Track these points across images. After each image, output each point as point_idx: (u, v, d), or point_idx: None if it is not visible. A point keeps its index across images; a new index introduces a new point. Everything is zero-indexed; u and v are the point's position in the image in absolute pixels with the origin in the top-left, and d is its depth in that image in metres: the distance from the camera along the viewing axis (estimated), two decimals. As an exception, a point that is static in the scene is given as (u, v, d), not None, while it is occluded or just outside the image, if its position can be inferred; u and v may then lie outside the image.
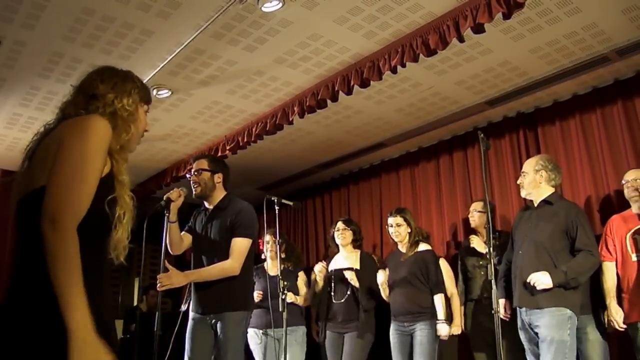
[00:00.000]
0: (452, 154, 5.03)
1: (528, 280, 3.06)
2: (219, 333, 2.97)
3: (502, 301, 3.41)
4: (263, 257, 4.48)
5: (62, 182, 1.28)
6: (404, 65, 3.37)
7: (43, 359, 1.23)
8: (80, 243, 1.27)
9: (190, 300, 3.20)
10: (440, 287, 3.85)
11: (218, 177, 3.19)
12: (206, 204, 3.23)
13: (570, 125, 4.17)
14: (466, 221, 4.71)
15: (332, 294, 4.18)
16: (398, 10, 3.10)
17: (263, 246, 4.52)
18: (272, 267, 4.28)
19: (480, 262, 3.90)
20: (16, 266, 1.37)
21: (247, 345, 4.36)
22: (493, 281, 2.88)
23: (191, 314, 3.12)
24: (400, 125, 4.81)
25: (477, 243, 3.94)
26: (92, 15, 3.06)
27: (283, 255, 4.43)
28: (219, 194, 3.20)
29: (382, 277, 3.98)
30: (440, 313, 3.76)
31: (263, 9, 3.02)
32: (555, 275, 3.03)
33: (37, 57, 3.49)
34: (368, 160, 5.74)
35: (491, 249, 2.98)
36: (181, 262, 5.39)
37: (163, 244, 3.00)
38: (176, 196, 3.02)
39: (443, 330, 3.71)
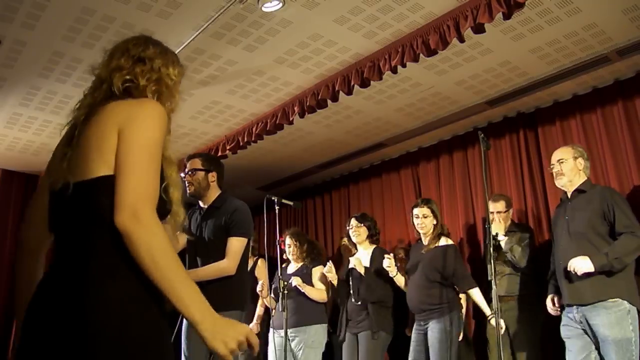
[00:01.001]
0: (452, 154, 5.02)
1: (568, 268, 2.89)
2: None
3: (551, 295, 3.29)
4: (285, 257, 4.45)
5: (138, 175, 1.22)
6: (404, 65, 3.37)
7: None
8: None
9: None
10: (471, 281, 3.67)
11: (212, 176, 3.15)
12: (201, 203, 3.22)
13: (570, 126, 4.17)
14: (466, 221, 4.72)
15: (351, 292, 4.08)
16: (398, 10, 3.10)
17: (284, 246, 4.48)
18: (293, 266, 4.28)
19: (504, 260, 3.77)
20: (58, 258, 1.30)
21: (266, 345, 4.32)
22: (493, 281, 2.88)
23: None
24: (401, 125, 4.81)
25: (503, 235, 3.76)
26: (93, 15, 3.06)
27: (304, 254, 4.38)
28: (214, 193, 3.17)
29: (386, 261, 3.82)
30: (486, 308, 3.56)
31: (263, 8, 3.02)
32: (596, 258, 2.85)
33: (37, 57, 3.49)
34: (368, 160, 5.73)
35: (491, 249, 2.98)
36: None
37: None
38: None
39: (501, 324, 3.22)
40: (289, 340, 3.99)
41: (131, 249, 1.18)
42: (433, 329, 3.59)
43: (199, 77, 3.81)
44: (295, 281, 4.02)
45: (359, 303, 3.99)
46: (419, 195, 5.22)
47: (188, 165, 3.17)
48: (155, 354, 1.24)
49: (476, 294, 3.64)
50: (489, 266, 2.92)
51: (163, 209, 1.36)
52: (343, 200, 6.08)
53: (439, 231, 3.86)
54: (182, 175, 3.20)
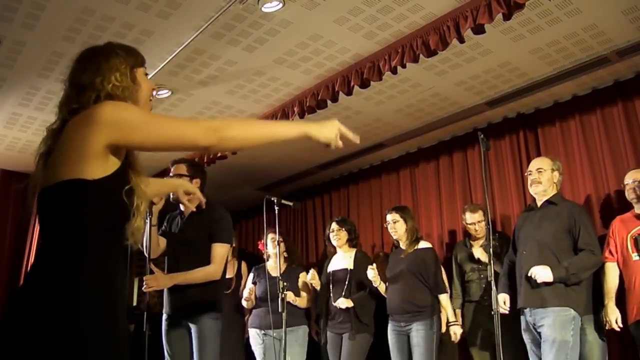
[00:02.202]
0: (452, 154, 5.02)
1: (529, 274, 3.08)
2: (194, 335, 3.02)
3: (503, 295, 3.40)
4: (266, 257, 4.46)
5: (171, 127, 1.45)
6: (404, 66, 3.37)
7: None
8: (101, 232, 1.37)
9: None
10: (443, 287, 3.83)
11: (196, 183, 3.18)
12: (182, 208, 3.24)
13: (570, 126, 4.17)
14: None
15: (331, 295, 4.17)
16: (398, 11, 3.10)
17: (263, 247, 4.50)
18: (274, 267, 4.28)
19: (480, 266, 3.89)
20: (39, 256, 1.38)
21: (248, 346, 4.36)
22: (493, 283, 2.89)
23: (164, 315, 3.15)
24: (400, 125, 4.80)
25: (481, 253, 3.91)
26: (92, 15, 3.06)
27: (285, 255, 4.42)
28: None
29: (371, 272, 3.91)
30: (451, 314, 3.76)
31: (263, 9, 3.02)
32: (556, 269, 3.06)
33: (37, 57, 3.48)
34: (368, 160, 5.73)
35: (491, 251, 2.99)
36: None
37: (145, 247, 3.02)
38: (158, 199, 3.03)
39: (458, 332, 3.76)
40: (277, 340, 4.03)
41: (228, 149, 1.54)
42: (418, 330, 3.69)
43: (199, 77, 3.81)
44: (288, 297, 4.01)
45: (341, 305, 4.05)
46: (418, 196, 5.22)
47: (173, 170, 3.21)
48: (106, 355, 1.31)
49: (445, 299, 3.81)
50: (489, 267, 2.93)
51: (118, 213, 1.43)
52: (343, 201, 6.08)
53: (415, 235, 3.98)
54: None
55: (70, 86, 1.52)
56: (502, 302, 3.39)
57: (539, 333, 3.13)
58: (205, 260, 3.06)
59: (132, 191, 1.44)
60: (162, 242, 3.22)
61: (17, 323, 1.27)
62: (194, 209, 2.90)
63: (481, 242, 4.02)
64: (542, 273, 3.06)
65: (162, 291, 3.19)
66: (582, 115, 4.11)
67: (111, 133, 1.36)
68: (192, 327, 3.02)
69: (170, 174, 3.21)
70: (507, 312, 3.38)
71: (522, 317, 3.29)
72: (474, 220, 4.06)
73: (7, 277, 5.49)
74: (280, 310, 3.46)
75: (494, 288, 2.87)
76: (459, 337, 3.81)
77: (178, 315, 3.07)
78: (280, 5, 2.99)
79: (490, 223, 3.03)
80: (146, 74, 1.64)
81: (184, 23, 3.16)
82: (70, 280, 1.28)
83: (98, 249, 1.36)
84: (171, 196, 3.11)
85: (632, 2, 3.04)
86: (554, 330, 3.01)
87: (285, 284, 3.47)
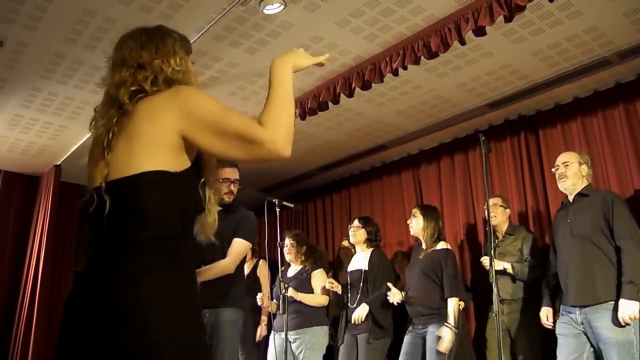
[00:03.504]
0: (453, 156, 5.02)
1: (622, 321, 2.81)
2: (214, 334, 2.99)
3: (546, 310, 3.32)
4: (286, 260, 4.43)
5: (236, 121, 1.30)
6: (405, 68, 3.37)
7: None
8: (180, 233, 1.30)
9: None
10: (454, 290, 3.59)
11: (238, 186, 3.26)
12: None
13: (571, 128, 4.16)
14: (467, 223, 4.72)
15: (349, 295, 4.07)
16: (400, 13, 3.11)
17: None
18: (292, 269, 4.27)
19: (481, 260, 3.80)
20: (96, 256, 1.29)
21: (266, 345, 4.31)
22: (494, 283, 2.88)
23: None
24: (402, 127, 4.81)
25: (509, 266, 3.71)
26: (94, 17, 3.06)
27: (302, 257, 4.36)
28: None
29: (392, 296, 3.77)
30: (451, 318, 3.50)
31: (265, 11, 3.02)
32: (629, 293, 2.84)
33: (39, 59, 3.49)
34: (369, 162, 5.73)
35: (492, 250, 2.98)
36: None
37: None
38: None
39: (446, 335, 3.41)
40: (289, 342, 3.98)
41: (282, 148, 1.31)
42: (432, 333, 3.53)
43: (200, 79, 3.80)
44: (290, 292, 3.97)
45: (356, 306, 3.96)
46: (419, 198, 5.22)
47: (231, 174, 3.19)
48: (191, 355, 1.24)
49: (453, 303, 3.55)
50: (490, 269, 2.93)
51: (200, 207, 1.40)
52: (344, 203, 6.08)
53: (436, 235, 3.81)
54: (228, 182, 3.18)
55: (124, 66, 1.40)
56: (545, 316, 3.30)
57: (595, 334, 2.93)
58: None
59: (205, 184, 1.40)
60: None
61: (90, 326, 1.19)
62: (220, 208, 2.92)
63: (501, 237, 3.90)
64: (630, 309, 2.80)
65: None
66: (583, 117, 4.11)
67: (190, 123, 1.29)
68: (214, 326, 2.99)
69: (230, 178, 3.18)
70: (550, 327, 3.27)
71: (563, 315, 3.13)
72: (492, 202, 3.81)
73: (8, 279, 5.50)
74: (281, 312, 3.46)
75: (494, 290, 2.86)
76: (447, 342, 3.43)
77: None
78: (282, 7, 3.00)
79: (490, 225, 3.03)
80: (193, 64, 1.57)
81: (186, 25, 3.16)
82: (143, 283, 1.20)
83: (178, 246, 1.30)
84: (225, 199, 3.11)
85: (633, 4, 3.04)
86: (614, 331, 2.83)
87: (286, 285, 3.46)
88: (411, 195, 5.31)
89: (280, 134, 1.28)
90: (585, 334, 3.00)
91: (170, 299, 1.22)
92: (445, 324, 3.48)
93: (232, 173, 3.18)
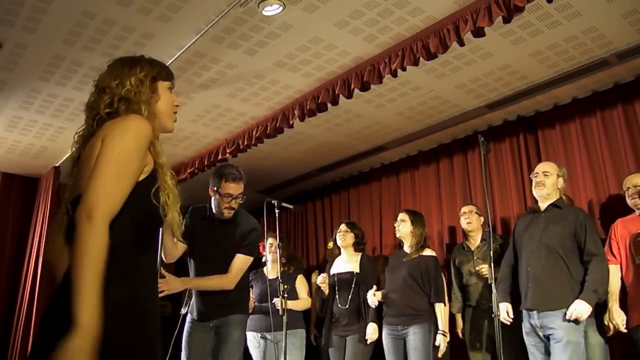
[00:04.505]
0: (452, 157, 5.02)
1: (568, 317, 2.98)
2: (222, 335, 3.03)
3: (506, 305, 3.36)
4: (264, 260, 4.46)
5: (101, 180, 1.31)
6: (404, 69, 3.38)
7: None
8: (132, 243, 1.38)
9: (190, 303, 3.21)
10: (442, 296, 3.82)
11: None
12: (213, 211, 3.14)
13: (570, 129, 4.17)
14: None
15: (337, 297, 4.13)
16: (398, 14, 3.11)
17: (264, 250, 4.49)
18: (272, 270, 4.27)
19: (477, 269, 3.85)
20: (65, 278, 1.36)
21: (246, 349, 4.35)
22: (493, 285, 2.89)
23: (189, 318, 3.16)
24: (401, 128, 4.81)
25: (483, 267, 3.75)
26: (93, 19, 3.06)
27: (284, 260, 4.42)
28: None
29: (371, 299, 3.92)
30: (441, 323, 3.74)
31: (264, 12, 3.02)
32: (587, 296, 3.01)
33: (38, 60, 3.49)
34: (368, 163, 5.74)
35: (491, 253, 2.98)
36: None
37: (158, 252, 2.97)
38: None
39: (442, 342, 3.71)
40: (273, 342, 4.02)
41: (73, 240, 1.26)
42: (415, 333, 3.70)
43: (199, 80, 3.82)
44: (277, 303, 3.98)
45: (347, 307, 4.04)
46: (418, 199, 5.22)
47: (234, 189, 3.02)
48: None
49: (440, 308, 3.78)
50: (489, 271, 2.93)
51: (154, 215, 1.44)
52: (343, 204, 6.08)
53: (422, 242, 3.98)
54: (230, 198, 3.04)
55: (94, 90, 1.57)
56: (505, 312, 3.34)
57: (547, 336, 3.09)
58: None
59: (159, 189, 1.45)
60: (181, 247, 3.12)
61: (49, 330, 1.28)
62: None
63: (478, 243, 4.01)
64: (583, 310, 2.97)
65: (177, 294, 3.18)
66: (582, 118, 4.11)
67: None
68: (221, 329, 3.04)
69: (237, 194, 3.04)
70: (509, 322, 3.33)
71: (525, 320, 3.25)
72: (465, 210, 4.10)
73: (7, 281, 5.49)
74: (280, 313, 3.46)
75: (494, 291, 2.87)
76: (443, 348, 3.72)
77: (205, 319, 3.07)
78: (281, 8, 3.00)
79: (490, 226, 3.03)
80: (170, 89, 1.68)
81: (185, 26, 3.16)
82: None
83: (130, 258, 1.37)
84: (225, 215, 3.05)
85: (632, 5, 3.05)
86: (567, 331, 2.98)
87: (285, 286, 3.46)
88: (410, 196, 5.31)
89: (89, 232, 1.24)
90: (546, 337, 3.13)
91: (123, 306, 1.31)
92: (439, 331, 3.73)
93: (235, 189, 3.03)
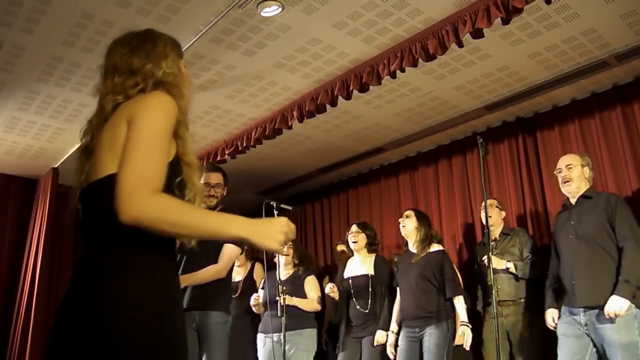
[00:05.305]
0: (451, 158, 5.03)
1: (607, 315, 2.85)
2: (204, 337, 3.04)
3: (552, 311, 3.29)
4: (277, 261, 4.43)
5: (140, 163, 1.20)
6: (403, 70, 3.38)
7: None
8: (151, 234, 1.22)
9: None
10: (458, 290, 3.70)
11: (224, 191, 3.30)
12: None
13: (569, 130, 4.17)
14: (465, 225, 4.72)
15: (354, 301, 4.06)
16: (397, 16, 3.11)
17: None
18: (284, 272, 4.26)
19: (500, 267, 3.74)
20: (79, 261, 1.31)
21: (255, 351, 4.33)
22: (492, 285, 2.88)
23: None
24: (399, 130, 4.81)
25: (512, 265, 3.70)
26: (92, 20, 3.06)
27: (296, 261, 4.38)
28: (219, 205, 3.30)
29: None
30: (464, 315, 3.63)
31: (262, 13, 3.02)
32: (623, 290, 2.86)
33: (37, 61, 3.49)
34: (367, 165, 5.73)
35: (490, 252, 2.98)
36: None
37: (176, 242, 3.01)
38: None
39: (468, 333, 3.58)
40: (280, 344, 4.00)
41: (150, 231, 1.18)
42: (431, 334, 3.60)
43: (198, 81, 3.81)
44: (287, 300, 3.98)
45: (367, 310, 3.99)
46: (417, 200, 5.22)
47: (213, 178, 3.23)
48: (160, 353, 1.23)
49: (460, 302, 3.68)
50: (488, 270, 2.92)
51: None
52: (342, 205, 6.07)
53: (427, 239, 3.88)
54: (209, 187, 3.21)
55: (115, 73, 1.42)
56: (551, 319, 3.27)
57: (598, 335, 2.94)
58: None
59: (184, 184, 1.36)
60: None
61: (67, 327, 1.22)
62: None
63: (496, 236, 3.90)
64: (619, 306, 2.82)
65: None
66: (581, 119, 4.11)
67: (129, 128, 1.28)
68: (201, 329, 3.04)
69: (211, 182, 3.20)
70: (554, 328, 3.25)
71: (564, 312, 3.13)
72: (489, 203, 3.77)
73: (6, 281, 5.48)
74: (279, 314, 3.46)
75: (494, 291, 2.86)
76: (469, 339, 3.60)
77: (189, 309, 3.05)
78: (280, 9, 3.00)
79: (487, 226, 3.02)
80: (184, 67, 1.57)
81: (184, 27, 3.16)
82: (115, 285, 1.21)
83: (149, 245, 1.27)
84: (207, 204, 3.15)
85: (630, 6, 3.05)
86: (619, 332, 2.84)
87: (284, 288, 3.46)
88: (409, 197, 5.31)
89: (146, 208, 1.17)
90: (589, 336, 3.00)
91: (142, 302, 1.22)
92: (462, 323, 3.61)
93: (210, 178, 3.23)
